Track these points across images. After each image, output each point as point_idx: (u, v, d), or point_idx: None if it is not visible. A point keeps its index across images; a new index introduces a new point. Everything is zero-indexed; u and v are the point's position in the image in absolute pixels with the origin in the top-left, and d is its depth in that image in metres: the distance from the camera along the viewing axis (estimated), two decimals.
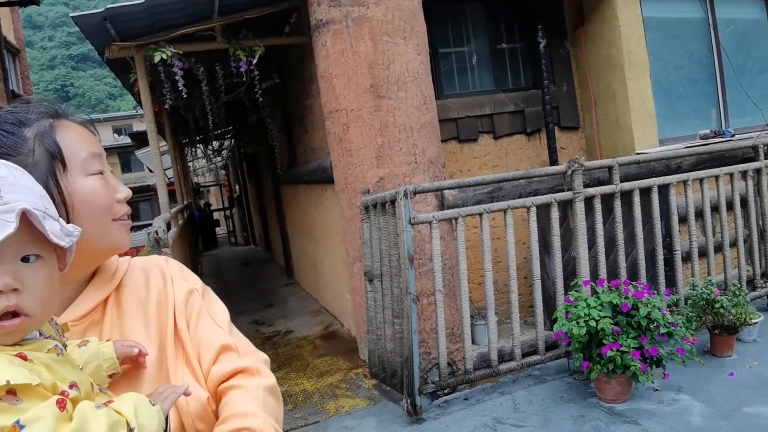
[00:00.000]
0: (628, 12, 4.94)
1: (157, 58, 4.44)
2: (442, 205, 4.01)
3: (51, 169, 0.85)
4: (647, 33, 5.10)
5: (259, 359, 0.97)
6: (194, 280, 1.05)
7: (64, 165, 0.86)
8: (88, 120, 0.99)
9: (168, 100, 5.04)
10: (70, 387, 0.68)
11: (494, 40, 5.36)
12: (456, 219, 3.42)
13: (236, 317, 6.84)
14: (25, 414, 0.60)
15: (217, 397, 0.92)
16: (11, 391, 0.60)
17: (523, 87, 5.43)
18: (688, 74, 5.51)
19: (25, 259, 0.69)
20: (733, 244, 4.24)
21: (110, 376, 0.86)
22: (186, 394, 0.83)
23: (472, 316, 4.11)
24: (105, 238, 0.92)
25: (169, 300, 0.98)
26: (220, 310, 1.03)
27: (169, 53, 4.46)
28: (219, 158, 15.31)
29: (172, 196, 8.77)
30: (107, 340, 0.87)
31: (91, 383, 0.75)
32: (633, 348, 2.97)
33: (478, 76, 5.35)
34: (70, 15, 4.08)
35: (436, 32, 4.95)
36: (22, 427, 0.59)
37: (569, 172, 3.66)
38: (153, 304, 0.97)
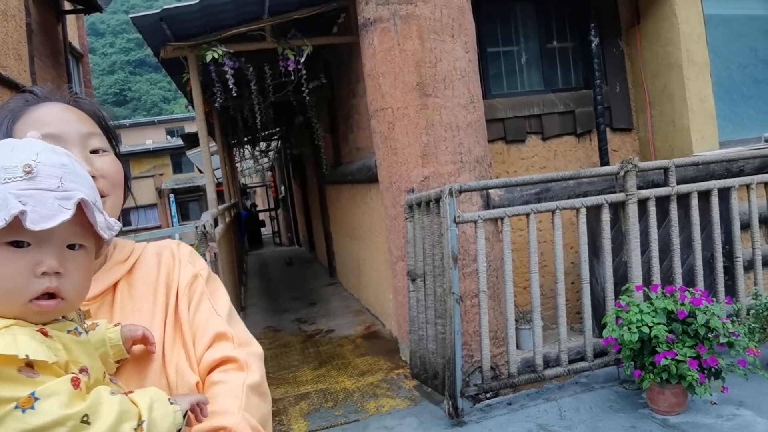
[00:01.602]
0: (687, 9, 4.74)
1: (208, 57, 4.53)
2: (488, 206, 3.93)
3: None
4: (708, 31, 4.87)
5: (253, 353, 0.96)
6: (201, 265, 1.06)
7: None
8: (72, 98, 0.96)
9: (218, 99, 5.13)
10: (80, 371, 0.69)
11: (544, 38, 5.23)
12: (502, 219, 3.33)
13: (280, 315, 6.93)
14: (40, 387, 0.62)
15: (204, 385, 0.91)
16: (29, 365, 0.63)
17: (573, 87, 5.28)
18: (753, 74, 5.24)
19: (71, 246, 0.72)
20: None
21: (118, 362, 0.86)
22: (204, 404, 0.82)
23: (516, 320, 4.01)
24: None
25: (174, 282, 0.99)
26: (221, 297, 1.03)
27: (220, 52, 4.54)
28: (266, 159, 15.56)
29: (220, 196, 8.94)
30: (115, 325, 0.87)
31: (104, 372, 0.77)
32: (690, 357, 2.82)
33: (527, 75, 5.24)
34: (130, 16, 4.21)
35: (484, 31, 4.88)
36: (36, 399, 0.61)
37: (622, 173, 3.52)
38: (161, 286, 0.97)
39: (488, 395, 3.48)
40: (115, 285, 0.96)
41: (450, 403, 3.20)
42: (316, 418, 3.60)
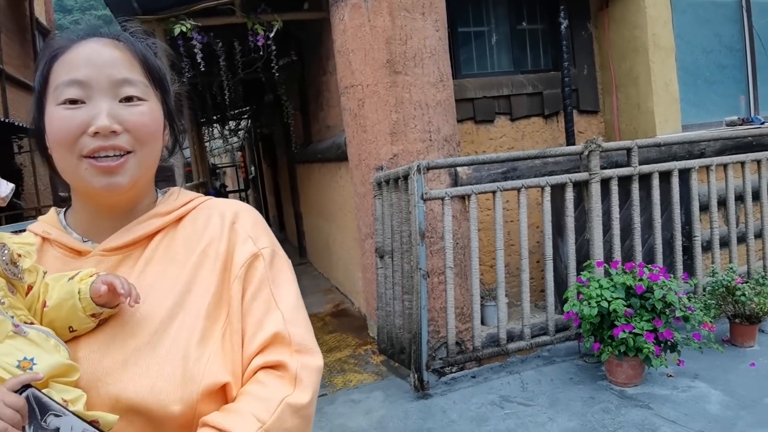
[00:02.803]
0: None
1: (176, 31, 4.43)
2: (456, 184, 3.96)
3: (36, 97, 0.84)
4: (675, 15, 4.96)
5: (310, 365, 0.82)
6: (266, 240, 0.90)
7: (43, 93, 0.83)
8: (119, 33, 0.87)
9: (186, 75, 5.04)
10: None
11: (515, 20, 5.26)
12: (469, 196, 3.37)
13: None
14: None
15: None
16: None
17: (542, 69, 5.33)
18: (717, 59, 5.36)
19: None
20: (758, 235, 4.13)
21: (94, 317, 0.78)
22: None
23: (482, 297, 4.07)
24: (74, 177, 0.82)
25: (227, 257, 0.85)
26: (286, 285, 0.87)
27: (189, 26, 4.45)
28: (235, 139, 15.36)
29: (189, 176, 8.80)
30: (95, 275, 0.78)
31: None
32: (646, 330, 2.92)
33: (497, 56, 5.26)
34: None
35: (455, 10, 4.87)
36: None
37: (586, 153, 3.59)
38: (196, 254, 0.85)
39: (454, 369, 3.54)
40: (151, 239, 0.86)
41: (416, 376, 3.26)
42: None
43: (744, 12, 5.38)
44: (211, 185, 15.08)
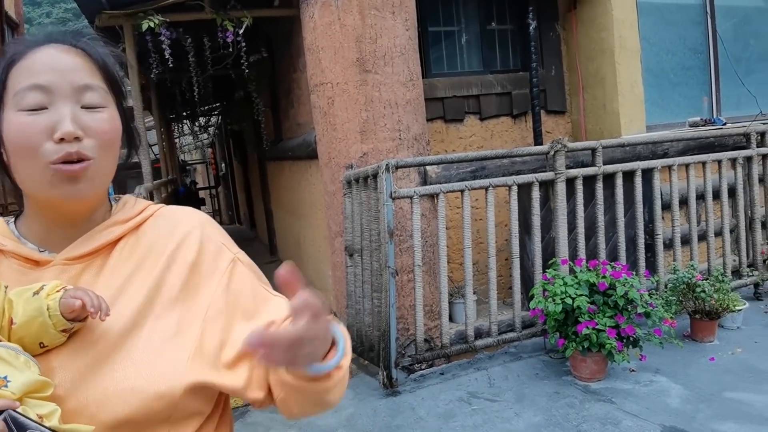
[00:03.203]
0: None
1: (144, 26, 4.37)
2: (425, 183, 3.99)
3: None
4: (640, 18, 5.07)
5: None
6: (235, 247, 0.93)
7: (0, 99, 0.80)
8: (77, 40, 0.84)
9: (155, 71, 4.97)
10: None
11: (484, 20, 5.31)
12: (437, 195, 3.40)
13: None
14: None
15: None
16: None
17: (511, 69, 5.39)
18: (681, 61, 5.50)
19: None
20: (718, 233, 4.26)
21: (65, 331, 0.76)
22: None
23: (451, 295, 4.11)
24: (36, 185, 0.80)
25: (190, 260, 0.86)
26: (270, 285, 0.90)
27: (157, 21, 4.39)
28: (206, 135, 15.18)
29: (157, 173, 8.66)
30: (61, 289, 0.77)
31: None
32: (609, 327, 2.99)
33: (466, 56, 5.31)
34: None
35: (426, 10, 4.89)
36: None
37: (552, 152, 3.65)
38: (163, 259, 0.85)
39: (422, 366, 3.57)
40: (113, 247, 0.86)
41: (385, 374, 3.28)
42: None
43: (708, 15, 5.52)
44: (181, 182, 14.88)
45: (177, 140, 13.88)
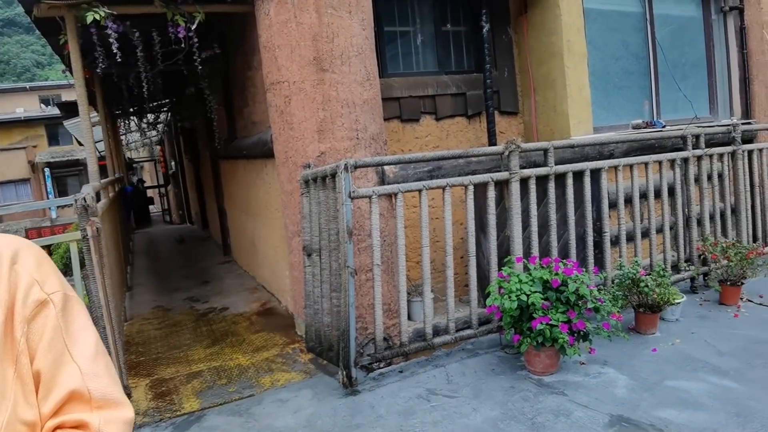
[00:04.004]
0: (569, 2, 5.07)
1: (89, 19, 4.20)
2: (383, 182, 4.02)
3: None
4: (587, 23, 5.25)
5: (114, 419, 0.74)
6: (54, 283, 0.78)
7: None
8: None
9: (101, 65, 4.79)
10: None
11: (439, 21, 5.38)
12: (396, 194, 3.44)
13: (170, 294, 6.67)
14: None
15: None
16: None
17: (465, 70, 5.49)
18: (625, 66, 5.73)
19: None
20: (659, 230, 4.47)
21: None
22: None
23: (409, 293, 4.16)
24: None
25: (1, 303, 0.73)
26: (83, 331, 0.77)
27: (103, 14, 4.23)
28: (154, 132, 14.75)
29: (102, 171, 8.38)
30: None
31: None
32: (561, 322, 3.09)
33: (422, 56, 5.37)
34: None
35: (381, 9, 4.92)
36: None
37: (506, 153, 3.74)
38: None
39: (381, 365, 3.60)
40: None
41: (344, 373, 3.29)
42: (208, 396, 3.55)
43: (647, 23, 5.78)
44: (128, 181, 14.43)
45: (123, 137, 13.44)
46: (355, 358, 3.30)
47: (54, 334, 0.74)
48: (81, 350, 0.75)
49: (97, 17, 4.12)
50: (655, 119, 5.76)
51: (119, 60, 4.62)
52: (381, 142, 4.12)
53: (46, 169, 27.06)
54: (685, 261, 4.58)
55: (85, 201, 2.92)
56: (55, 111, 23.44)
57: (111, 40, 4.32)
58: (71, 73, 5.27)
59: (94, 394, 0.73)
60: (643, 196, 4.42)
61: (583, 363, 3.42)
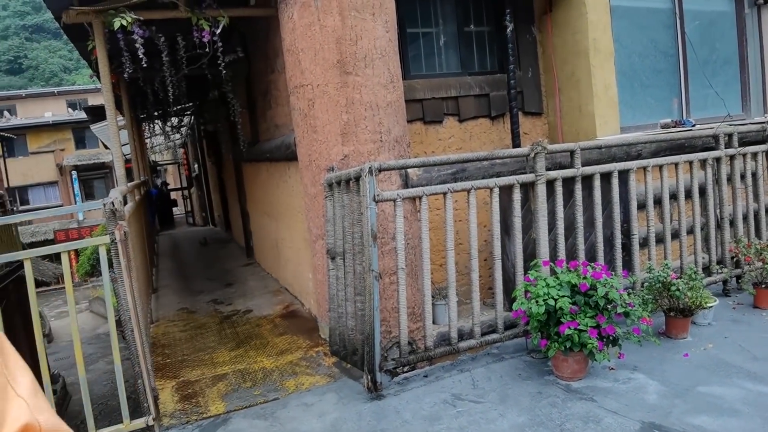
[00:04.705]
0: None
1: (116, 25, 4.26)
2: (406, 185, 3.99)
3: None
4: (613, 21, 5.16)
5: None
6: None
7: None
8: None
9: (127, 70, 4.85)
10: None
11: (462, 22, 5.34)
12: (420, 198, 3.41)
13: (194, 296, 6.73)
14: None
15: None
16: None
17: (489, 71, 5.43)
18: (652, 64, 5.62)
19: None
20: (690, 231, 4.36)
21: None
22: None
23: (432, 296, 4.12)
24: None
25: None
26: (20, 371, 0.77)
27: (130, 20, 4.29)
28: (178, 135, 14.94)
29: (128, 174, 8.50)
30: None
31: None
32: (590, 327, 3.03)
33: (445, 57, 5.33)
34: None
35: (404, 11, 4.90)
36: None
37: (532, 155, 3.69)
38: None
39: (405, 369, 3.57)
40: None
41: (369, 377, 3.27)
42: (234, 399, 3.56)
43: (677, 18, 5.66)
44: (152, 184, 14.62)
45: (148, 140, 13.63)
46: (380, 363, 3.28)
47: None
48: (23, 385, 0.74)
49: (124, 23, 4.18)
50: (684, 118, 5.64)
51: (145, 65, 4.67)
52: (404, 144, 4.09)
53: (73, 172, 27.59)
54: (717, 263, 4.47)
55: (113, 205, 2.95)
56: (81, 115, 23.90)
57: (137, 45, 4.37)
58: (98, 78, 5.35)
59: (44, 426, 0.72)
60: (673, 196, 4.32)
61: (612, 368, 3.35)
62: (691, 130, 5.12)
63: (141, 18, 4.34)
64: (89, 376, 2.83)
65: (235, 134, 7.38)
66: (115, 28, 4.24)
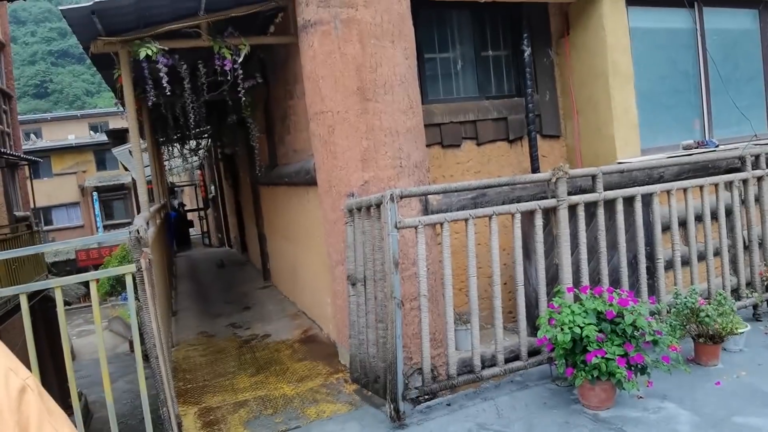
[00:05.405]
0: (614, 21, 4.99)
1: (142, 54, 4.36)
2: (426, 210, 3.99)
3: None
4: (633, 42, 5.15)
5: None
6: (23, 370, 0.79)
7: None
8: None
9: (151, 98, 4.94)
10: None
11: (479, 46, 5.37)
12: (442, 224, 3.39)
13: (213, 319, 6.74)
14: None
15: None
16: None
17: (506, 94, 5.44)
18: (673, 84, 5.59)
19: None
20: (716, 254, 4.28)
21: None
22: None
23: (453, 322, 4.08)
24: None
25: None
26: (59, 416, 0.79)
27: (155, 49, 4.38)
28: (195, 158, 15.12)
29: (148, 195, 8.60)
30: None
31: None
32: (618, 355, 2.98)
33: (462, 82, 5.35)
34: (59, 8, 3.98)
35: (421, 37, 4.94)
36: None
37: (554, 180, 3.66)
38: None
39: (427, 397, 3.53)
40: None
41: (392, 406, 3.23)
42: (256, 426, 3.54)
43: (698, 38, 5.63)
44: (170, 205, 14.78)
45: (166, 163, 13.81)
46: (402, 391, 3.24)
47: (40, 417, 0.74)
48: (64, 429, 0.77)
49: (149, 53, 4.26)
50: (707, 139, 5.58)
51: (169, 92, 4.76)
52: (424, 169, 4.10)
53: (94, 193, 28.07)
54: (747, 286, 4.38)
55: (138, 233, 2.97)
56: (102, 137, 24.35)
57: (161, 74, 4.45)
58: (122, 103, 5.45)
59: None
60: (698, 219, 4.25)
61: (640, 397, 3.28)
62: (714, 150, 5.06)
63: (166, 48, 4.43)
64: (113, 395, 2.84)
65: (252, 158, 7.45)
66: (141, 58, 4.33)
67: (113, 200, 29.04)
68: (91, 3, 3.81)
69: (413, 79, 4.05)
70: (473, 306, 3.46)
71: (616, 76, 5.03)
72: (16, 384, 0.74)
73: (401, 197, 3.31)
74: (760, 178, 4.37)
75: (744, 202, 4.34)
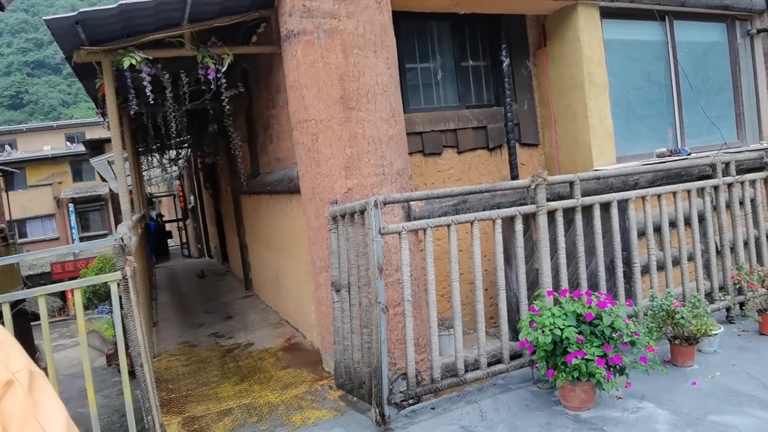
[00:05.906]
0: (589, 34, 5.14)
1: (126, 64, 4.36)
2: (409, 217, 4.05)
3: None
4: (607, 54, 5.31)
5: None
6: (18, 361, 0.75)
7: None
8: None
9: (133, 107, 4.94)
10: None
11: (459, 57, 5.48)
12: (425, 230, 3.45)
13: (195, 329, 6.70)
14: None
15: None
16: None
17: (486, 104, 5.55)
18: (647, 94, 5.76)
19: None
20: (690, 258, 4.41)
21: None
22: None
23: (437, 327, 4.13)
24: None
25: None
26: (53, 410, 0.75)
27: (139, 58, 4.39)
28: (175, 168, 15.01)
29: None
30: None
31: None
32: (597, 356, 3.05)
33: (443, 91, 5.45)
34: (44, 18, 3.96)
35: (402, 47, 5.02)
36: None
37: (533, 186, 3.75)
38: None
39: (411, 401, 3.57)
40: None
41: (377, 410, 3.26)
42: None
43: (670, 50, 5.82)
44: (149, 216, 14.65)
45: (145, 173, 13.69)
46: (387, 396, 3.28)
47: (25, 413, 0.72)
48: (54, 425, 0.74)
49: (133, 62, 4.27)
50: (679, 147, 5.75)
51: (152, 101, 4.76)
52: (406, 177, 4.16)
53: (71, 205, 27.64)
54: (720, 290, 4.51)
55: (123, 241, 2.98)
56: (80, 148, 24.04)
57: (145, 83, 4.46)
58: (103, 114, 5.42)
59: None
60: (672, 224, 4.38)
61: (620, 397, 3.36)
62: (687, 158, 5.22)
63: (150, 57, 4.44)
64: (88, 410, 2.83)
65: (234, 167, 7.45)
66: (125, 67, 4.33)
67: (90, 212, 28.63)
68: (74, 13, 3.81)
69: (395, 89, 4.12)
70: (456, 310, 3.52)
71: (592, 86, 5.17)
72: (2, 376, 0.72)
73: (385, 204, 3.36)
74: (730, 185, 4.52)
75: (716, 208, 4.48)
